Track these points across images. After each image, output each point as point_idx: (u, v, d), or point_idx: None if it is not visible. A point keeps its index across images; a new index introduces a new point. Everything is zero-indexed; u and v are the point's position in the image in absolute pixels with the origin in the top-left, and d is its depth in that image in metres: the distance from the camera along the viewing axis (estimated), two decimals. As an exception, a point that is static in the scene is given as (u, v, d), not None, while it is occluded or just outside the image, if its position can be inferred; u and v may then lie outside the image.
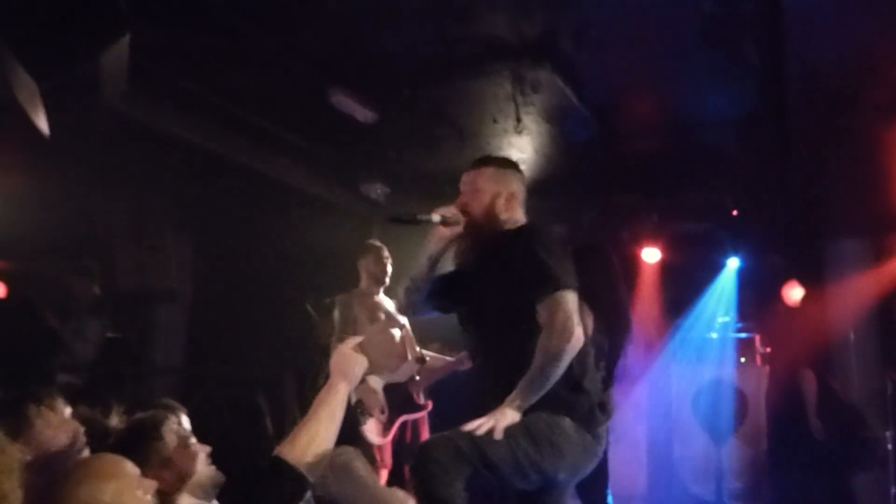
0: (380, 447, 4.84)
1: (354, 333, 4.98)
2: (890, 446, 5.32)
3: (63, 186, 4.02)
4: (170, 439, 2.39)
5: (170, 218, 5.03)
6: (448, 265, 2.89)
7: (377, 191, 5.87)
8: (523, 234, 2.71)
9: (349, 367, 2.05)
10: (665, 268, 6.90)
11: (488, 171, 2.84)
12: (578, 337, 2.51)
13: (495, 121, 4.83)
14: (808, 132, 3.89)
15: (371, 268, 5.00)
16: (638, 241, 6.73)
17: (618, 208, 6.50)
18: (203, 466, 2.49)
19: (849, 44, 3.31)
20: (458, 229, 2.75)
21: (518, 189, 2.84)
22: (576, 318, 2.53)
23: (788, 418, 5.87)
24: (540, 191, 6.27)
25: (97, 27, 3.24)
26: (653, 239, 6.67)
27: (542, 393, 2.47)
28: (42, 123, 3.14)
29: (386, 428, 4.81)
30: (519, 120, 4.75)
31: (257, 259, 6.10)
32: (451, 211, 2.75)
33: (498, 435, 2.37)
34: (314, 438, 1.92)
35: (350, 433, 4.96)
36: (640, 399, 6.85)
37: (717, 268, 6.97)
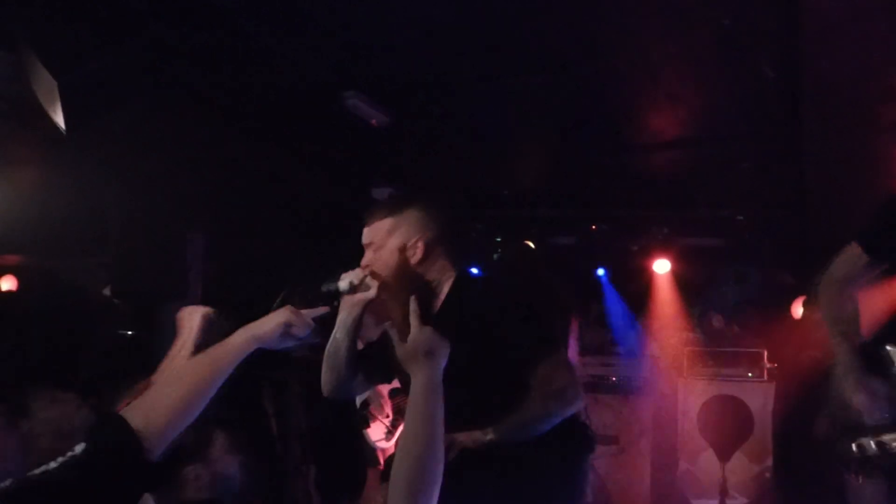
0: (383, 450, 4.86)
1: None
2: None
3: (78, 183, 4.04)
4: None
5: (182, 217, 5.05)
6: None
7: (388, 195, 5.88)
8: (490, 288, 2.51)
9: (185, 320, 2.04)
10: (674, 280, 6.90)
11: (384, 224, 2.43)
12: (580, 401, 2.37)
13: (508, 129, 4.83)
14: (822, 149, 3.89)
15: (379, 272, 5.02)
16: (648, 253, 6.73)
17: (628, 220, 6.49)
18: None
19: (867, 61, 3.30)
20: (371, 295, 2.38)
21: (429, 229, 2.43)
22: (577, 382, 2.39)
23: (795, 435, 5.84)
24: (551, 201, 6.33)
25: (114, 24, 3.26)
26: (663, 251, 6.66)
27: (517, 440, 2.30)
28: (60, 119, 3.16)
29: (390, 432, 4.81)
30: (532, 128, 4.75)
31: (267, 260, 6.11)
32: (358, 276, 2.38)
33: (451, 455, 2.14)
34: (157, 399, 1.70)
35: (354, 435, 4.97)
36: (645, 411, 6.83)
37: (725, 282, 6.96)
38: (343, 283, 2.35)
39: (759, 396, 6.60)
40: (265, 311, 1.97)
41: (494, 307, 2.41)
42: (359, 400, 4.89)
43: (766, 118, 4.10)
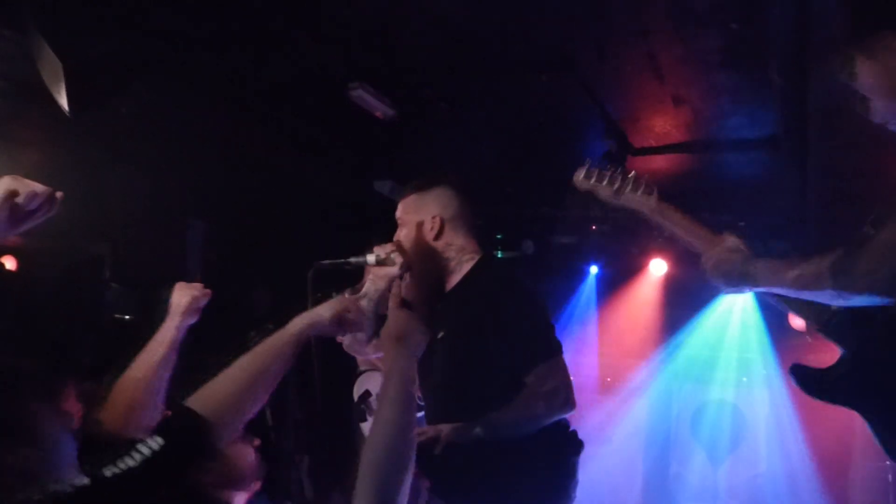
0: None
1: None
2: (890, 477, 5.30)
3: (81, 166, 4.03)
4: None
5: (185, 204, 5.04)
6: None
7: (389, 188, 5.88)
8: (492, 286, 2.46)
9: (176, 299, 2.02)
10: (671, 282, 6.89)
11: (409, 200, 2.57)
12: (570, 407, 2.36)
13: (513, 128, 4.83)
14: (826, 158, 3.88)
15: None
16: (646, 254, 6.72)
17: (629, 222, 6.48)
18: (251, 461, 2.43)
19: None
20: (394, 271, 2.50)
21: (446, 209, 2.52)
22: (569, 387, 2.36)
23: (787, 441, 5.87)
24: (553, 202, 6.32)
25: (122, 9, 3.26)
26: (661, 252, 6.66)
27: (503, 437, 2.30)
28: (64, 101, 3.15)
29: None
30: (537, 127, 4.75)
31: (267, 250, 6.10)
32: (386, 250, 2.51)
33: (437, 449, 2.23)
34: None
35: (349, 426, 4.98)
36: (639, 414, 6.85)
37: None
38: (371, 257, 2.48)
39: (754, 401, 6.61)
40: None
41: (506, 300, 2.42)
42: (356, 393, 4.89)
43: (771, 125, 4.10)
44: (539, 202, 6.38)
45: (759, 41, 3.30)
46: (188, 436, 1.56)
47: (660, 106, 4.12)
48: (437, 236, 2.50)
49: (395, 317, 1.77)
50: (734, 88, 3.82)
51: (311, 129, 4.94)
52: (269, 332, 1.97)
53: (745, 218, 6.05)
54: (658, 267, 6.74)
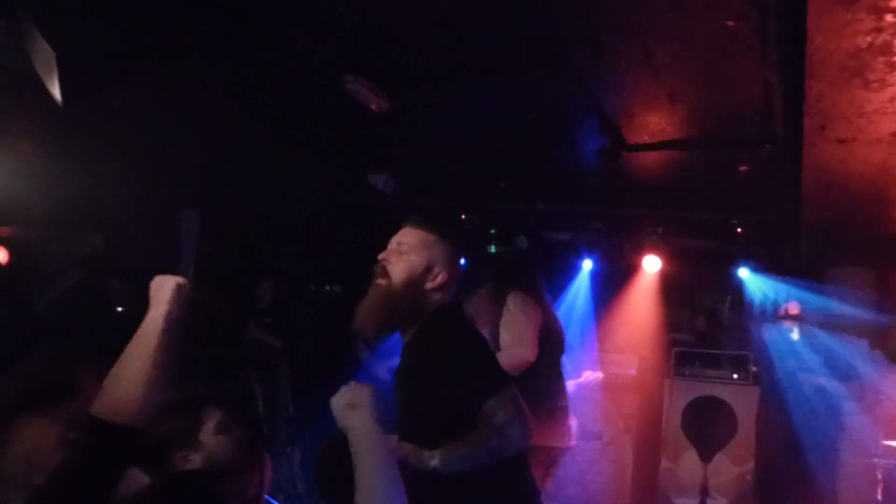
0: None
1: None
2: (878, 474, 5.34)
3: (75, 157, 4.02)
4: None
5: (177, 194, 5.03)
6: None
7: (384, 182, 5.87)
8: (442, 331, 2.49)
9: (156, 290, 2.05)
10: (666, 280, 6.92)
11: (419, 234, 2.57)
12: (524, 438, 2.37)
13: (507, 122, 4.83)
14: (822, 157, 3.89)
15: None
16: (640, 251, 6.74)
17: (623, 219, 6.50)
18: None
19: (870, 71, 3.29)
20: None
21: (451, 262, 2.57)
22: (522, 419, 2.37)
23: (777, 438, 5.90)
24: (547, 197, 6.33)
25: (115, 1, 3.24)
26: (655, 249, 6.68)
27: (458, 471, 2.33)
28: (57, 92, 3.13)
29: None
30: (531, 122, 4.75)
31: (261, 241, 6.09)
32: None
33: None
34: (119, 378, 1.75)
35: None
36: (630, 409, 6.88)
37: (716, 282, 6.99)
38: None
39: (744, 399, 6.65)
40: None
41: (453, 341, 2.48)
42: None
43: (767, 123, 4.10)
44: (533, 197, 6.39)
45: (756, 39, 3.30)
46: (107, 449, 1.65)
47: (655, 102, 4.12)
48: (437, 289, 2.53)
49: (344, 389, 1.94)
50: (730, 86, 3.82)
51: (306, 120, 4.93)
52: (267, 325, 2.03)
53: (739, 216, 6.09)
54: (652, 263, 6.76)
